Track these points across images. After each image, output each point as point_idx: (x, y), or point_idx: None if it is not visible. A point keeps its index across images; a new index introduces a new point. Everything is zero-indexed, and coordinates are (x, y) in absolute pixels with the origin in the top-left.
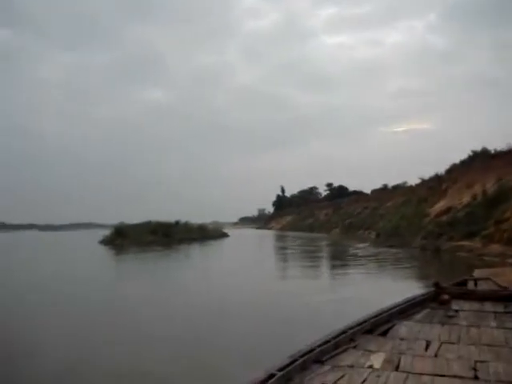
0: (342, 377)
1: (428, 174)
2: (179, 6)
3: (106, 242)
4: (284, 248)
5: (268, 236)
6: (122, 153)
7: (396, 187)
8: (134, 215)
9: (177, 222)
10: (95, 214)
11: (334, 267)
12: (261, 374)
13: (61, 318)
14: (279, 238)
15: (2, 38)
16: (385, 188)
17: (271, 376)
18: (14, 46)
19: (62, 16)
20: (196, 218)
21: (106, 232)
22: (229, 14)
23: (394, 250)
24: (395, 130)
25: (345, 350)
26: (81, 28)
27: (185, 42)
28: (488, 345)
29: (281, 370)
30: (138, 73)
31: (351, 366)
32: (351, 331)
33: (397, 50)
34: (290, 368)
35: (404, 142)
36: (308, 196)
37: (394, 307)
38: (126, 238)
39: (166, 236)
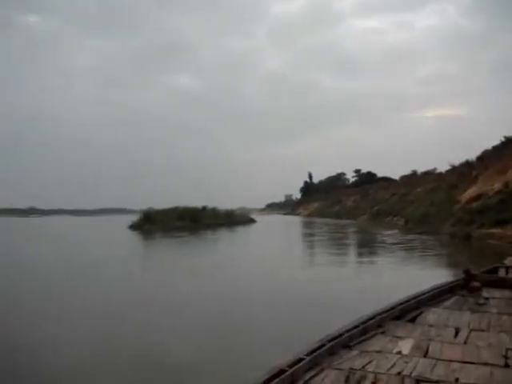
0: (370, 362)
1: (458, 160)
2: None
3: (135, 227)
4: (311, 234)
5: (295, 222)
6: (150, 139)
7: (425, 173)
8: (163, 201)
9: (204, 208)
10: (126, 199)
11: (361, 254)
12: (289, 358)
13: (83, 299)
14: (306, 225)
15: (29, 25)
16: (414, 174)
17: (299, 360)
18: (41, 33)
19: (90, 2)
20: (223, 204)
21: (135, 217)
22: None
23: (423, 237)
24: (424, 115)
25: (373, 336)
26: (108, 15)
27: (213, 27)
28: None
29: (309, 354)
30: (166, 59)
31: (379, 352)
32: (379, 317)
33: (428, 34)
34: (318, 352)
35: (433, 127)
36: (336, 182)
37: (423, 294)
38: (154, 223)
39: (194, 221)
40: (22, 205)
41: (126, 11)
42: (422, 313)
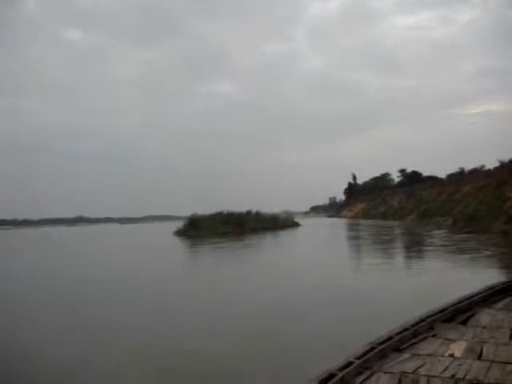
0: (423, 365)
1: (508, 156)
2: None
3: (180, 233)
4: (357, 237)
5: (340, 225)
6: (192, 146)
7: (473, 171)
8: (207, 206)
9: (248, 212)
10: (170, 206)
11: (412, 258)
12: (339, 362)
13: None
14: (352, 227)
15: (73, 40)
16: (461, 172)
17: (349, 364)
18: (85, 47)
19: (132, 13)
20: (267, 207)
21: (181, 224)
22: (294, 0)
23: (472, 236)
24: (471, 112)
25: (424, 339)
26: (149, 26)
27: (251, 32)
28: None
29: (359, 357)
30: (206, 67)
31: (431, 355)
32: (430, 319)
33: (472, 28)
34: (368, 356)
35: (480, 124)
36: (380, 183)
37: (475, 295)
38: (199, 229)
39: (238, 226)
40: (71, 214)
41: (166, 21)
42: (474, 314)
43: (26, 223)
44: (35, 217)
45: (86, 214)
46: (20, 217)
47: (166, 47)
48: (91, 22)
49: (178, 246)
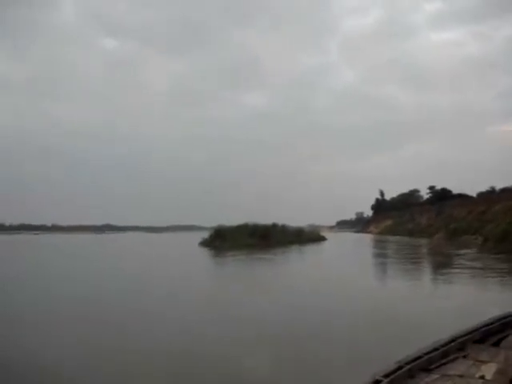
0: None
1: None
2: (279, 8)
3: (206, 243)
4: (383, 255)
5: (366, 241)
6: (220, 155)
7: (505, 190)
8: (231, 218)
9: (274, 225)
10: (194, 216)
11: (434, 280)
12: (366, 380)
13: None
14: (378, 244)
15: (107, 49)
16: (492, 191)
17: (377, 382)
18: (119, 56)
19: (164, 25)
20: (292, 220)
21: (205, 234)
22: (329, 14)
23: (504, 257)
24: (506, 129)
25: (454, 359)
26: (181, 35)
27: (284, 44)
28: None
29: (387, 376)
30: (237, 77)
31: (461, 376)
32: (461, 340)
33: (509, 45)
34: (396, 375)
35: None
36: (408, 199)
37: (507, 316)
38: (225, 240)
39: (264, 239)
40: (98, 222)
41: (197, 30)
42: (507, 336)
43: (55, 229)
44: (64, 223)
45: (113, 222)
46: (48, 222)
47: (199, 56)
48: (126, 31)
49: (203, 257)
